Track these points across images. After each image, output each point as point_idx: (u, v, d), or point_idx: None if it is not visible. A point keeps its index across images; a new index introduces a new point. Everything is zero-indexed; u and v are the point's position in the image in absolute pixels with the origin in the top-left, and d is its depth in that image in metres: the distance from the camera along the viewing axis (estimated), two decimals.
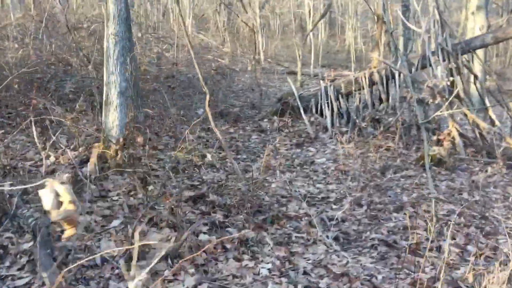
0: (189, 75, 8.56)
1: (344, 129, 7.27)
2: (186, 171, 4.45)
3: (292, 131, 7.16)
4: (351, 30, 23.43)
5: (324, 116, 7.47)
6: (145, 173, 3.93)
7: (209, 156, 4.52)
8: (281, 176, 4.89)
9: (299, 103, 7.48)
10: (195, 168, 4.59)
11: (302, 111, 7.38)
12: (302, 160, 5.82)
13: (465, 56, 7.40)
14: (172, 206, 3.31)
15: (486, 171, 6.21)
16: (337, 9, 26.33)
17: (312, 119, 7.42)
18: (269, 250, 3.20)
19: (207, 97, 4.42)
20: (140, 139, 3.76)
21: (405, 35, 17.99)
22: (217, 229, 3.34)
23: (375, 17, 14.08)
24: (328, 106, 7.48)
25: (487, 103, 7.23)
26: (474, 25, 11.77)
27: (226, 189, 4.00)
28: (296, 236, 3.51)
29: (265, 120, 7.50)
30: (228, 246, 3.11)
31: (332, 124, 7.37)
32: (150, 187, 3.78)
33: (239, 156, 5.60)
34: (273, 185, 4.55)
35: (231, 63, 15.24)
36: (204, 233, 3.24)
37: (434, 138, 6.66)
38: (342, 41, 26.89)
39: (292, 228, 3.66)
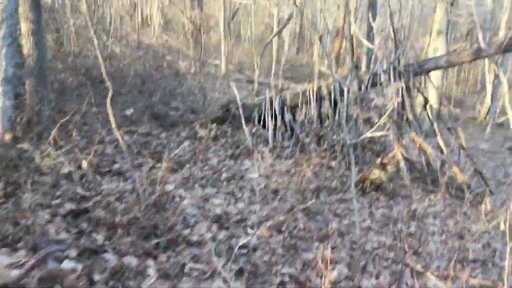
0: (128, 71, 7.90)
1: (286, 143, 6.80)
2: (83, 178, 3.82)
3: (230, 141, 6.63)
4: (319, 46, 23.33)
5: (266, 128, 6.98)
6: (26, 177, 3.28)
7: (84, 163, 3.89)
8: (199, 191, 4.32)
9: (241, 112, 6.95)
10: (97, 176, 3.96)
11: (243, 120, 6.86)
12: (231, 173, 5.28)
13: (419, 78, 7.11)
14: (29, 223, 2.68)
15: (427, 199, 5.88)
16: (308, 24, 26.17)
17: (253, 130, 6.91)
18: (150, 284, 2.62)
19: (110, 93, 3.81)
20: (8, 136, 3.12)
21: (369, 54, 17.92)
22: (91, 254, 2.73)
23: (337, 31, 13.83)
24: (272, 118, 7.00)
25: (436, 129, 6.94)
26: (435, 50, 11.69)
27: (122, 203, 3.39)
28: (191, 268, 2.95)
29: (203, 127, 6.93)
30: (97, 277, 2.52)
31: (274, 138, 6.89)
32: (25, 195, 3.14)
33: (158, 165, 4.99)
34: (185, 202, 3.97)
35: (188, 66, 14.66)
36: (71, 259, 2.63)
37: (378, 160, 6.28)
38: (309, 55, 26.84)
39: (190, 257, 3.09)
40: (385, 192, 5.61)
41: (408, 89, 6.84)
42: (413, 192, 6.11)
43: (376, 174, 5.71)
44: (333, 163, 6.37)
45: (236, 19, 27.46)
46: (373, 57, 7.16)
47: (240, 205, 4.28)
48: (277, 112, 7.03)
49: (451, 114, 7.05)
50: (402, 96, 6.81)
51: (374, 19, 15.27)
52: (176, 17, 22.15)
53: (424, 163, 6.61)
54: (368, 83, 7.00)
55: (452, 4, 12.05)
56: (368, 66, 16.76)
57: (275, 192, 4.92)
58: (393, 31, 6.98)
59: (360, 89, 7.04)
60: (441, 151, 6.90)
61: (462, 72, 26.31)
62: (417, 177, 6.68)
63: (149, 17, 22.14)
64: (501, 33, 16.47)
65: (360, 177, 5.72)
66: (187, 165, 5.22)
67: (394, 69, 6.87)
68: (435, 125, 6.93)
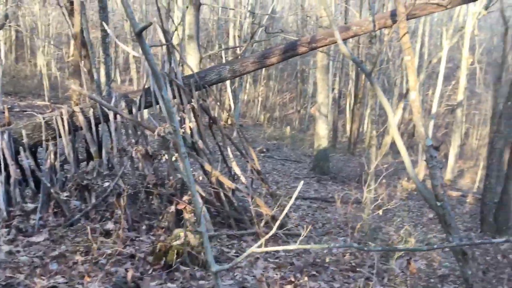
0: None
1: (31, 205, 4.39)
2: None
3: None
4: (43, 54, 19.93)
5: None
6: None
7: None
8: None
9: None
10: None
11: None
12: None
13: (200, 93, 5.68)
14: None
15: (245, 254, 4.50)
16: (25, 29, 22.02)
17: None
18: None
19: None
20: None
21: (107, 62, 15.73)
22: None
23: (75, 37, 11.35)
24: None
25: (230, 154, 5.67)
26: (189, 59, 10.62)
27: None
28: None
29: None
30: None
31: (9, 199, 4.38)
32: None
33: None
34: None
35: None
36: None
37: (171, 209, 4.58)
38: (33, 65, 22.82)
39: None
40: (199, 261, 3.94)
41: (193, 108, 5.35)
42: (224, 245, 4.67)
43: (180, 236, 3.98)
44: (110, 225, 4.35)
45: None
46: (142, 68, 5.36)
47: None
48: (7, 158, 4.51)
49: (241, 135, 5.87)
50: (184, 118, 5.29)
51: (107, 23, 13.34)
52: None
53: (224, 200, 5.24)
54: (140, 103, 5.20)
55: (199, 8, 11.20)
56: (108, 77, 14.67)
57: None
58: (164, 33, 5.37)
59: (130, 112, 5.18)
60: (234, 179, 5.68)
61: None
62: (221, 217, 5.30)
63: None
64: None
65: (157, 247, 3.88)
66: None
67: (171, 82, 5.27)
68: (229, 150, 5.66)
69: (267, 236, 1.87)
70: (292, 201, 1.76)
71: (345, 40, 6.81)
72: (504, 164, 7.89)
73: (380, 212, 4.83)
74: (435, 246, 2.30)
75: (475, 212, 9.47)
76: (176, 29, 11.48)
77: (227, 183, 5.23)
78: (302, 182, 1.86)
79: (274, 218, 5.49)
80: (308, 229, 2.58)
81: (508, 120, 7.24)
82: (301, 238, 2.12)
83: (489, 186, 7.45)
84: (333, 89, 20.79)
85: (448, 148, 17.55)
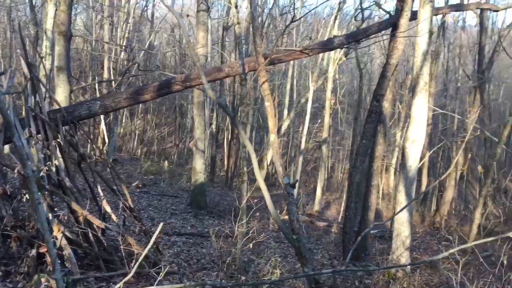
0: None
1: None
2: None
3: None
4: None
5: None
6: None
7: None
8: None
9: None
10: None
11: None
12: None
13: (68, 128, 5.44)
14: None
15: None
16: None
17: None
18: None
19: None
20: None
21: None
22: None
23: None
24: None
25: (100, 192, 5.47)
26: (58, 91, 10.07)
27: None
28: None
29: None
30: None
31: None
32: None
33: None
34: None
35: None
36: None
37: (31, 253, 4.27)
38: None
39: None
40: None
41: (59, 144, 5.10)
42: None
43: (42, 283, 3.72)
44: None
45: None
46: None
47: None
48: None
49: (113, 172, 5.74)
50: (49, 155, 5.02)
51: None
52: None
53: (92, 240, 5.01)
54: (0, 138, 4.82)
55: (69, 39, 10.77)
56: None
57: None
58: (28, 66, 5.10)
59: None
60: (105, 219, 5.49)
61: None
62: (89, 259, 5.03)
63: None
64: None
65: None
66: None
67: (35, 117, 4.99)
68: (99, 188, 5.46)
69: (125, 280, 1.87)
70: (151, 242, 1.79)
71: (220, 80, 7.11)
72: (362, 196, 8.77)
73: (251, 245, 5.03)
74: (284, 277, 2.50)
75: (339, 241, 10.25)
76: (43, 60, 10.85)
77: (96, 222, 5.03)
78: (161, 224, 1.91)
79: (147, 257, 5.40)
80: (166, 269, 2.61)
81: (363, 156, 8.10)
82: (160, 277, 2.14)
83: (349, 216, 8.18)
84: (210, 124, 21.14)
85: (316, 181, 18.86)
